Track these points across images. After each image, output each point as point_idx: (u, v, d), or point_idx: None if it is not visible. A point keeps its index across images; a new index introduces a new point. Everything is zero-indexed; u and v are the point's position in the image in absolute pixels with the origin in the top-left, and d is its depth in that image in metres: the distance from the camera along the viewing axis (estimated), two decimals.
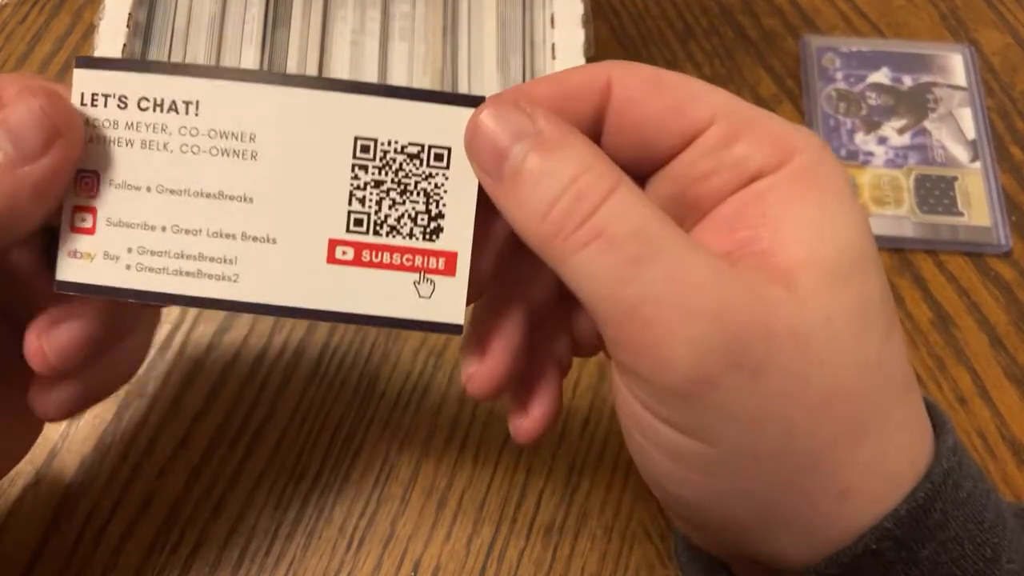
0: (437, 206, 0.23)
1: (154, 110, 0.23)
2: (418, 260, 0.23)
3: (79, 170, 0.23)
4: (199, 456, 0.37)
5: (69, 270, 0.23)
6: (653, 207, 0.20)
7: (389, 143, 0.23)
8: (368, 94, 0.22)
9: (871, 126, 0.45)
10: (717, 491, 0.20)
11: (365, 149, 0.23)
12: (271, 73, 0.24)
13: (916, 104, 0.46)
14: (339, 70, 0.34)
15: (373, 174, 0.23)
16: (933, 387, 0.40)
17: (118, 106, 0.23)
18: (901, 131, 0.45)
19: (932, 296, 0.42)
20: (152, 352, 0.38)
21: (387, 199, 0.23)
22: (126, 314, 0.26)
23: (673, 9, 0.48)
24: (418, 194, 0.23)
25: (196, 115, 0.23)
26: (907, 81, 0.47)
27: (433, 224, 0.23)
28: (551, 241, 0.20)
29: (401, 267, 0.23)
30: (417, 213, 0.23)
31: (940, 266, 0.43)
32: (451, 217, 0.23)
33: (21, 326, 0.24)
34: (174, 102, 0.23)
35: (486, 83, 0.34)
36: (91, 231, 0.23)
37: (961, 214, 0.43)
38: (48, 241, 0.24)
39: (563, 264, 0.20)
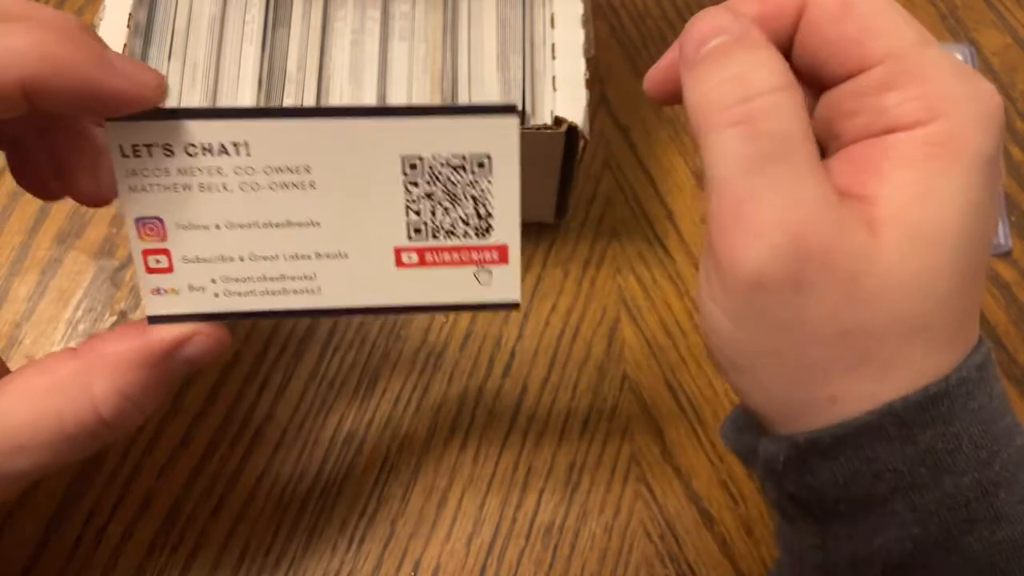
0: (485, 207, 0.25)
1: (204, 154, 0.24)
2: (475, 255, 0.26)
3: (140, 218, 0.24)
4: (199, 456, 0.37)
5: (158, 305, 0.25)
6: (805, 122, 0.21)
7: (434, 158, 0.24)
8: (407, 116, 0.24)
9: None
10: (736, 362, 0.24)
11: (413, 167, 0.24)
12: (311, 108, 0.25)
13: None
14: (339, 70, 0.34)
15: (424, 188, 0.25)
16: None
17: (165, 154, 0.24)
18: None
19: None
20: None
21: (440, 207, 0.25)
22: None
23: (673, 9, 0.48)
24: (467, 199, 0.25)
25: (248, 155, 0.24)
26: None
27: (484, 224, 0.25)
28: (706, 111, 0.22)
29: (460, 263, 0.26)
30: (468, 216, 0.25)
31: None
32: (499, 215, 0.25)
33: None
34: (223, 145, 0.24)
35: (486, 83, 0.34)
36: (168, 270, 0.25)
37: None
38: None
39: (706, 136, 0.22)
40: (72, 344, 0.39)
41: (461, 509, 0.37)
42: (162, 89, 0.23)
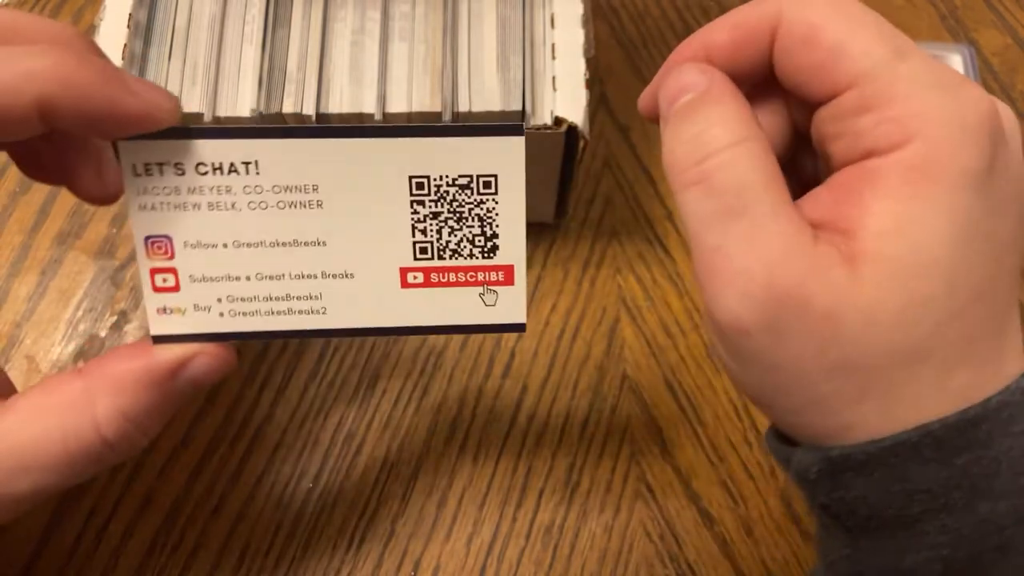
0: (491, 227, 0.25)
1: (214, 173, 0.24)
2: (480, 276, 0.26)
3: (149, 236, 0.24)
4: (199, 456, 0.37)
5: (162, 325, 0.25)
6: (766, 169, 0.22)
7: (441, 178, 0.25)
8: (415, 136, 0.24)
9: None
10: (748, 393, 0.24)
11: (420, 186, 0.25)
12: (321, 127, 0.25)
13: None
14: (339, 70, 0.34)
15: (430, 207, 0.25)
16: None
17: (176, 173, 0.24)
18: None
19: None
20: None
21: (446, 227, 0.25)
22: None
23: (673, 10, 0.48)
24: (473, 219, 0.25)
25: (257, 174, 0.24)
26: None
27: (490, 244, 0.25)
28: (672, 172, 0.23)
29: (466, 283, 0.26)
30: (474, 236, 0.25)
31: None
32: (504, 235, 0.25)
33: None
34: (233, 164, 0.24)
35: (486, 83, 0.34)
36: (175, 289, 0.25)
37: None
38: None
39: (676, 196, 0.23)
40: (72, 345, 0.39)
41: (461, 509, 0.37)
42: (175, 111, 0.23)
